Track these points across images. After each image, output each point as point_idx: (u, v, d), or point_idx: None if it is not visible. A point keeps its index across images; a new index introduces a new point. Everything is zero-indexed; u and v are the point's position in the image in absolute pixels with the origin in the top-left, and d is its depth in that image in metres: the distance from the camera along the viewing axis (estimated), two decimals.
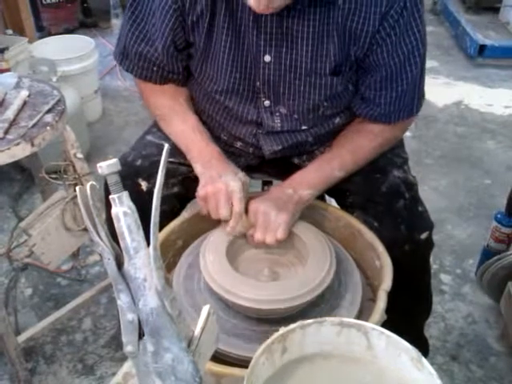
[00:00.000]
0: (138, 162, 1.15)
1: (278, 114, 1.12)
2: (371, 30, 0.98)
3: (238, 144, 1.21)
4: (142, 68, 1.14)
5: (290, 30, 0.99)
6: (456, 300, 1.75)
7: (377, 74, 1.05)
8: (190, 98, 1.20)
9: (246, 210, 1.03)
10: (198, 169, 1.09)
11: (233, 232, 1.02)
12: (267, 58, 1.03)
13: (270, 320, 0.95)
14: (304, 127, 1.14)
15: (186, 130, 1.13)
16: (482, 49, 3.30)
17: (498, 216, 1.72)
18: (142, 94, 1.21)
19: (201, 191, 1.04)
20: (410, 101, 1.09)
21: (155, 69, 1.13)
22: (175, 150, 1.14)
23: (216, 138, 1.20)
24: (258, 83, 1.07)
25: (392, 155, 1.18)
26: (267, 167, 1.26)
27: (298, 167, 1.15)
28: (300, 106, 1.09)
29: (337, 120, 1.16)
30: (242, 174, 1.06)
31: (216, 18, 1.01)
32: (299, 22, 0.98)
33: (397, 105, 1.08)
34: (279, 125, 1.13)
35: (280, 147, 1.17)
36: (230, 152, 1.21)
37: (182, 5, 1.01)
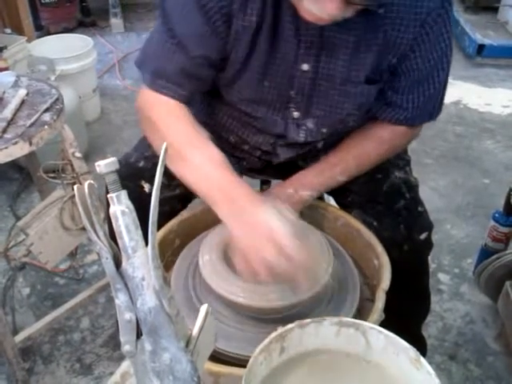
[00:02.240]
0: (141, 164, 1.14)
1: (304, 127, 1.09)
2: (410, 37, 0.97)
3: (246, 147, 1.17)
4: (177, 84, 1.00)
5: (330, 39, 0.97)
6: (454, 299, 1.75)
7: (407, 78, 1.03)
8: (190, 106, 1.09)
9: None
10: (225, 211, 0.88)
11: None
12: (305, 67, 0.99)
13: (269, 319, 0.95)
14: (325, 137, 1.12)
15: (205, 165, 0.93)
16: (481, 48, 3.30)
17: (496, 215, 1.73)
18: (150, 126, 1.04)
19: (239, 250, 0.85)
20: (432, 105, 1.08)
21: (193, 81, 1.01)
22: None
23: (223, 140, 1.15)
24: (291, 92, 1.03)
25: (394, 157, 1.18)
26: (270, 169, 1.25)
27: (300, 168, 1.14)
28: (331, 117, 1.06)
29: (350, 124, 1.12)
30: (283, 208, 0.86)
31: (262, 28, 0.96)
32: (340, 30, 0.95)
33: (422, 108, 1.07)
34: (303, 138, 1.10)
35: (294, 154, 1.16)
36: (234, 156, 1.18)
37: (230, 15, 0.93)
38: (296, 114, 1.07)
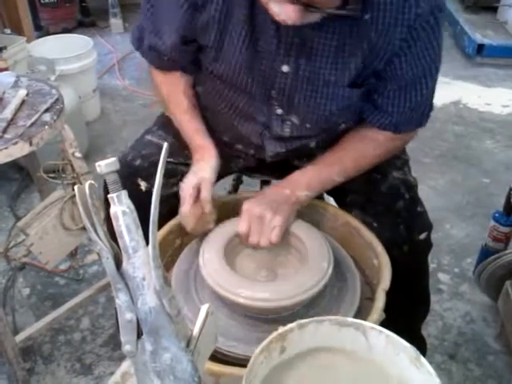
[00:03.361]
0: (137, 162, 1.15)
1: (288, 122, 1.10)
2: (397, 43, 0.97)
3: (240, 146, 1.19)
4: (152, 56, 1.15)
5: (310, 42, 0.97)
6: (454, 299, 1.75)
7: (393, 83, 1.03)
8: (194, 92, 1.19)
9: (237, 210, 1.04)
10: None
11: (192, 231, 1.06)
12: (285, 69, 1.01)
13: (269, 319, 0.95)
14: (312, 134, 1.13)
15: (181, 121, 1.16)
16: (481, 48, 3.30)
17: (496, 215, 1.73)
18: (150, 74, 1.23)
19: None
20: (420, 113, 1.09)
21: (165, 59, 1.13)
22: (174, 150, 1.13)
23: (217, 140, 1.17)
24: (272, 92, 1.05)
25: (392, 157, 1.17)
26: (266, 168, 1.26)
27: (296, 168, 1.15)
28: (314, 116, 1.08)
29: (342, 126, 1.14)
30: (200, 169, 1.07)
31: (231, 22, 0.99)
32: (321, 34, 0.96)
33: (408, 115, 1.07)
34: (288, 134, 1.12)
35: (283, 150, 1.16)
36: (229, 155, 1.20)
37: (195, 3, 1.00)
38: (279, 111, 1.08)
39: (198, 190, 1.04)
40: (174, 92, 1.17)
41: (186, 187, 1.05)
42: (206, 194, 1.04)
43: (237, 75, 1.05)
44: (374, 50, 0.98)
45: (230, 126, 1.17)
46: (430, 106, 1.11)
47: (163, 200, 1.23)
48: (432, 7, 0.95)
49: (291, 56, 0.99)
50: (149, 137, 1.22)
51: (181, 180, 1.17)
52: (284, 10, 0.85)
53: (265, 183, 1.33)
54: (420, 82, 1.03)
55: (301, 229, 1.05)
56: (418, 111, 1.08)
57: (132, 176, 1.13)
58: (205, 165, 1.07)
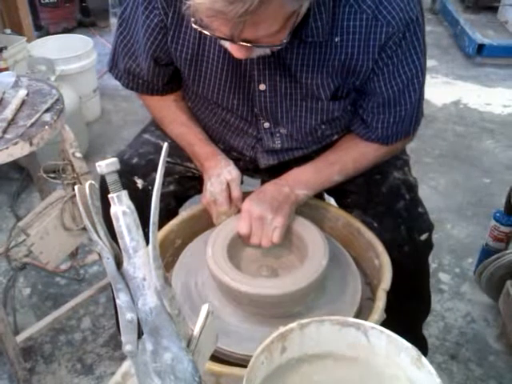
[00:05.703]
0: (134, 160, 1.15)
1: (278, 134, 1.12)
2: (370, 63, 0.97)
3: (235, 154, 1.20)
4: (128, 79, 1.17)
5: (284, 61, 0.98)
6: (455, 299, 1.75)
7: (374, 99, 1.04)
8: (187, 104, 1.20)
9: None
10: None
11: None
12: (262, 87, 1.02)
13: (270, 319, 0.95)
14: (303, 146, 1.14)
15: (180, 135, 1.16)
16: (481, 48, 3.29)
17: (497, 215, 1.73)
18: (138, 96, 1.25)
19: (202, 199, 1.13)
20: (407, 125, 1.08)
21: (140, 82, 1.16)
22: (172, 151, 1.13)
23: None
24: (255, 109, 1.07)
25: (392, 157, 1.17)
26: (265, 171, 1.25)
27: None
28: (299, 129, 1.09)
29: (335, 137, 1.16)
30: (225, 174, 1.10)
31: (206, 48, 1.01)
32: (292, 56, 0.97)
33: (394, 129, 1.07)
34: (279, 145, 1.13)
35: (276, 162, 1.17)
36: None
37: (166, 27, 1.01)
38: (267, 125, 1.10)
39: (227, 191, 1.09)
40: (166, 109, 1.19)
41: (217, 191, 1.08)
42: (237, 193, 1.09)
43: (221, 97, 1.07)
44: (349, 70, 0.99)
45: (222, 139, 1.19)
46: (417, 118, 1.10)
47: (160, 199, 1.26)
48: (406, 21, 0.93)
49: (266, 75, 1.01)
50: (146, 135, 1.22)
51: (177, 179, 1.18)
52: (230, 48, 0.88)
53: (265, 182, 1.33)
54: (403, 97, 1.03)
55: (303, 228, 1.05)
56: (405, 125, 1.08)
57: (129, 174, 1.13)
58: (225, 167, 1.10)
